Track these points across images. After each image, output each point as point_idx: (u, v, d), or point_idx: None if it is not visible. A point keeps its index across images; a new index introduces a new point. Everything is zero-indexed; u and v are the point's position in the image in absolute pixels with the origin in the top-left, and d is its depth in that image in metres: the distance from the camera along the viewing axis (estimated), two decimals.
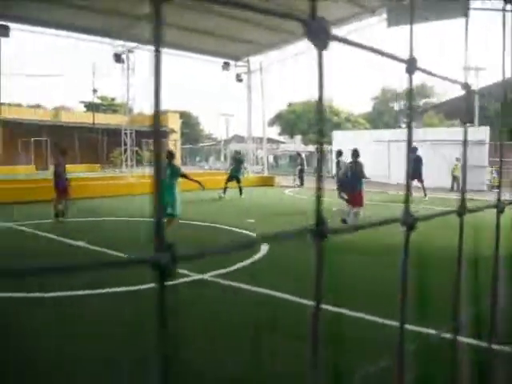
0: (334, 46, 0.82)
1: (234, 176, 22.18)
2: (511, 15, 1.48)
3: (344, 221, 13.40)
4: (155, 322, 0.69)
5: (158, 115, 0.69)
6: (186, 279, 7.75)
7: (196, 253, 0.79)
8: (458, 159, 24.93)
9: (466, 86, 1.09)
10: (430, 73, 1.09)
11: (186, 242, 11.15)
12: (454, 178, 25.57)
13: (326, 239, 0.89)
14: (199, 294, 7.30)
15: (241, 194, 21.87)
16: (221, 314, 6.52)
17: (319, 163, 0.95)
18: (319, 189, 0.92)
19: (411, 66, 0.91)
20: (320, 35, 0.82)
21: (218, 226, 13.55)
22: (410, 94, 0.95)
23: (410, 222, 1.03)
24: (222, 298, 7.32)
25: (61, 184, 14.61)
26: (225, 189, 21.47)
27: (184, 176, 12.15)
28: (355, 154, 13.97)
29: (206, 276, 8.07)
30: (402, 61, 0.90)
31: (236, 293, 7.49)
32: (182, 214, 11.70)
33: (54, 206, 14.44)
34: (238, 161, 23.21)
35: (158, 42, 0.69)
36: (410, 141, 1.06)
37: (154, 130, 0.70)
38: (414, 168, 19.56)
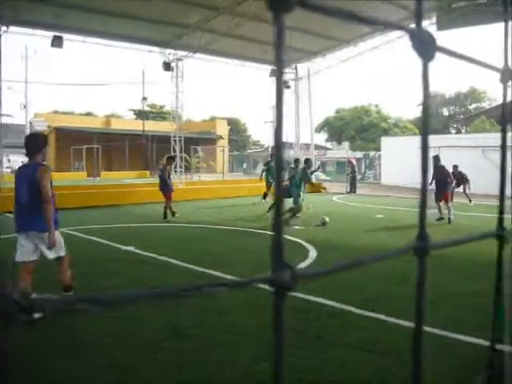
0: (379, 50, 0.81)
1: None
2: None
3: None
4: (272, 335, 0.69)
5: (280, 129, 0.70)
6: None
7: (316, 272, 0.79)
8: None
9: None
10: None
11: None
12: None
13: (428, 255, 0.87)
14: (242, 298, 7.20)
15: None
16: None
17: (424, 175, 0.89)
18: (423, 201, 0.90)
19: (505, 75, 0.89)
20: (425, 46, 0.80)
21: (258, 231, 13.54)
22: (503, 105, 0.93)
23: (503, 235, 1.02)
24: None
25: (166, 189, 16.55)
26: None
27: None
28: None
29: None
30: (495, 69, 0.89)
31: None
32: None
33: (164, 207, 16.53)
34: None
35: (280, 61, 0.68)
36: (504, 148, 1.05)
37: (276, 145, 0.71)
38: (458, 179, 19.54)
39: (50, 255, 6.35)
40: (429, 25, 24.35)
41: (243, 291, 6.33)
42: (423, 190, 0.88)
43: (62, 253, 6.51)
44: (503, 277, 1.10)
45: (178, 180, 28.40)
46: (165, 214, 16.39)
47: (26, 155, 6.37)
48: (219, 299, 6.71)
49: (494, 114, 52.30)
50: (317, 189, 29.96)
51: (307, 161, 16.63)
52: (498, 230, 1.02)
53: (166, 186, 16.54)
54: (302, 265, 9.27)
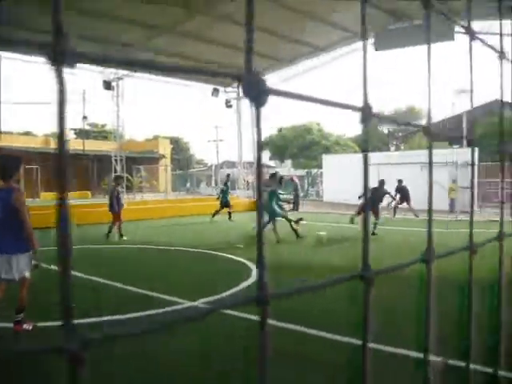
0: (329, 67, 0.80)
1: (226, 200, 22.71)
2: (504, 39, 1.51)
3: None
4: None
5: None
6: (177, 307, 7.70)
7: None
8: (454, 181, 25.14)
9: (426, 130, 1.08)
10: (388, 119, 1.11)
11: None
12: (452, 200, 25.69)
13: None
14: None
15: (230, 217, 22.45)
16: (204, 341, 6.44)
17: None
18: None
19: (365, 113, 0.88)
20: (256, 90, 0.75)
21: (204, 251, 13.48)
22: (366, 141, 0.93)
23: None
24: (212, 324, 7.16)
25: (115, 209, 16.46)
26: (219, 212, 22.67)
27: None
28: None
29: (198, 303, 7.94)
30: (355, 109, 0.87)
31: (226, 319, 7.38)
32: None
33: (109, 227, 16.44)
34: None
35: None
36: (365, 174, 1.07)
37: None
38: (403, 195, 21.27)
39: (17, 275, 6.39)
40: (368, 45, 25.00)
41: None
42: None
43: (27, 274, 6.53)
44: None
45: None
46: (108, 233, 16.25)
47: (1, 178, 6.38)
48: None
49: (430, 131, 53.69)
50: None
51: (273, 176, 16.72)
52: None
53: (115, 207, 16.43)
54: (245, 284, 9.26)
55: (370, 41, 23.72)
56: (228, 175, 25.46)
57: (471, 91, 1.41)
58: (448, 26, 20.48)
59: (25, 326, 6.51)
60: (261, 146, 0.77)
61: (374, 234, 15.23)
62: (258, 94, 0.75)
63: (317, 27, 22.46)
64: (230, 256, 12.55)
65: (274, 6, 19.06)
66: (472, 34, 1.20)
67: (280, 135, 69.15)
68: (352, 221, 17.45)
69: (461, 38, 19.96)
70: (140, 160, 51.63)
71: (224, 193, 22.90)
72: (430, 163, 1.06)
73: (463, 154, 24.73)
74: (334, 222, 21.23)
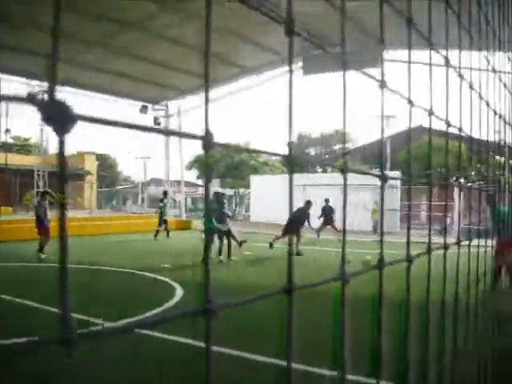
0: (253, 90, 0.80)
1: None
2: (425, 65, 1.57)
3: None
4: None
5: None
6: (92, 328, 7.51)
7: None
8: (376, 203, 25.87)
9: (286, 158, 1.10)
10: (235, 148, 1.13)
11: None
12: (375, 221, 26.46)
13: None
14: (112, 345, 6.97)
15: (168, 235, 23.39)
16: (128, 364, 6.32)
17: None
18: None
19: (207, 141, 0.89)
20: (59, 119, 0.71)
21: (128, 270, 13.24)
22: (209, 167, 0.96)
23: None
24: (134, 347, 6.99)
25: (41, 225, 16.13)
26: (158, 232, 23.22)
27: None
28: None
29: (121, 324, 7.72)
30: (197, 138, 0.88)
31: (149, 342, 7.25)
32: None
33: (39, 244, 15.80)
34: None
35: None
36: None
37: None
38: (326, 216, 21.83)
39: None
40: (296, 69, 25.48)
41: None
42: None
43: None
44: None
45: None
46: (40, 250, 15.74)
47: None
48: None
49: (356, 155, 55.13)
50: (186, 225, 29.88)
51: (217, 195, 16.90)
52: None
53: (41, 223, 16.09)
54: (170, 304, 9.19)
55: (299, 65, 24.17)
56: (165, 192, 25.61)
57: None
58: (375, 53, 21.17)
59: None
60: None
61: (298, 254, 15.40)
62: (61, 120, 0.70)
63: (244, 48, 22.65)
64: (155, 276, 12.39)
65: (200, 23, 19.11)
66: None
67: (208, 155, 69.00)
68: (271, 246, 17.57)
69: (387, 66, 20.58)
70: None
71: (162, 210, 23.27)
72: (291, 187, 1.09)
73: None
74: (261, 242, 21.33)
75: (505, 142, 3.22)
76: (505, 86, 2.33)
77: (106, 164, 75.63)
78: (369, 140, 50.00)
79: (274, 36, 20.34)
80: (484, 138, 2.40)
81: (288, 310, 0.91)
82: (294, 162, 1.00)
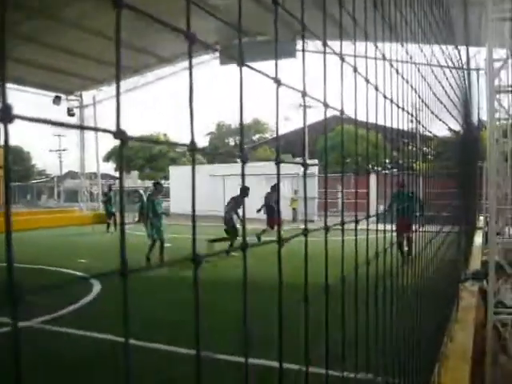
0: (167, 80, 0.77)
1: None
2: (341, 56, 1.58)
3: None
4: None
5: None
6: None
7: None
8: (296, 192, 26.31)
9: (190, 147, 1.06)
10: (143, 140, 1.13)
11: None
12: (294, 210, 26.84)
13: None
14: (29, 344, 6.79)
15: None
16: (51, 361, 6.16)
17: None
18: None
19: (120, 134, 0.84)
20: None
21: (42, 267, 12.83)
22: (121, 167, 0.93)
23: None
24: (53, 345, 6.82)
25: None
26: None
27: None
28: None
29: (33, 323, 7.39)
30: (108, 132, 0.82)
31: (68, 339, 7.07)
32: None
33: None
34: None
35: None
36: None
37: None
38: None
39: None
40: (211, 59, 25.46)
41: None
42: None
43: None
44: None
45: None
46: None
47: None
48: None
49: (274, 144, 55.69)
50: (103, 220, 29.31)
51: (156, 185, 15.45)
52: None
53: None
54: (88, 298, 9.03)
55: (216, 55, 24.14)
56: (109, 185, 25.49)
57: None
58: (292, 43, 21.42)
59: None
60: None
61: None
62: None
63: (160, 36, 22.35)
64: (71, 271, 12.09)
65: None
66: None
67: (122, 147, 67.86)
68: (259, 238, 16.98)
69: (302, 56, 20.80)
70: None
71: (107, 204, 23.19)
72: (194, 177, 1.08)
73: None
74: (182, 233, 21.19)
75: (417, 131, 3.34)
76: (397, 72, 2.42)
77: (18, 157, 72.99)
78: (288, 130, 50.51)
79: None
80: (397, 127, 2.47)
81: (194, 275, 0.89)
82: (198, 152, 0.98)
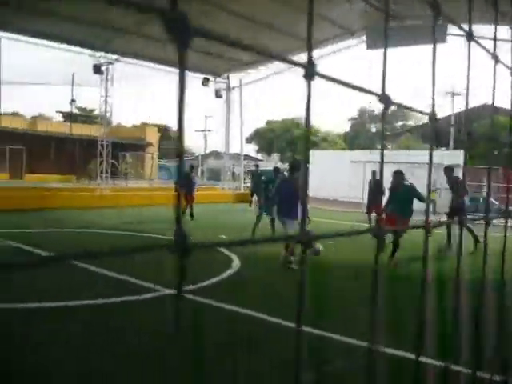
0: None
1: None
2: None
3: None
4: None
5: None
6: (155, 294, 7.69)
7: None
8: (434, 182, 25.29)
9: (431, 116, 1.07)
10: (402, 105, 1.11)
11: None
12: (432, 201, 25.84)
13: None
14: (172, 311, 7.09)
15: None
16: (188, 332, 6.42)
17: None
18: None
19: (386, 100, 0.86)
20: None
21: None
22: (382, 132, 0.92)
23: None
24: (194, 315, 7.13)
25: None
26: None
27: None
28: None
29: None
30: (376, 94, 0.85)
31: (206, 310, 7.37)
32: None
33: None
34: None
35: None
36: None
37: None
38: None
39: None
40: (357, 43, 25.11)
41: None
42: (304, 208, 0.89)
43: None
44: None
45: (103, 185, 28.00)
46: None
47: None
48: None
49: (419, 132, 54.05)
50: (245, 198, 29.96)
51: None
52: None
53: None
54: (226, 274, 9.34)
55: (362, 39, 23.74)
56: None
57: (467, 93, 1.40)
58: (441, 28, 20.51)
59: None
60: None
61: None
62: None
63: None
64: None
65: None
66: (470, 37, 1.18)
67: (268, 128, 69.03)
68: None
69: (452, 41, 19.88)
70: (126, 146, 51.32)
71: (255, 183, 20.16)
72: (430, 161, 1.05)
73: (450, 156, 24.91)
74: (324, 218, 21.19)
75: None
76: None
77: (168, 136, 76.57)
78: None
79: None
80: None
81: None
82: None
